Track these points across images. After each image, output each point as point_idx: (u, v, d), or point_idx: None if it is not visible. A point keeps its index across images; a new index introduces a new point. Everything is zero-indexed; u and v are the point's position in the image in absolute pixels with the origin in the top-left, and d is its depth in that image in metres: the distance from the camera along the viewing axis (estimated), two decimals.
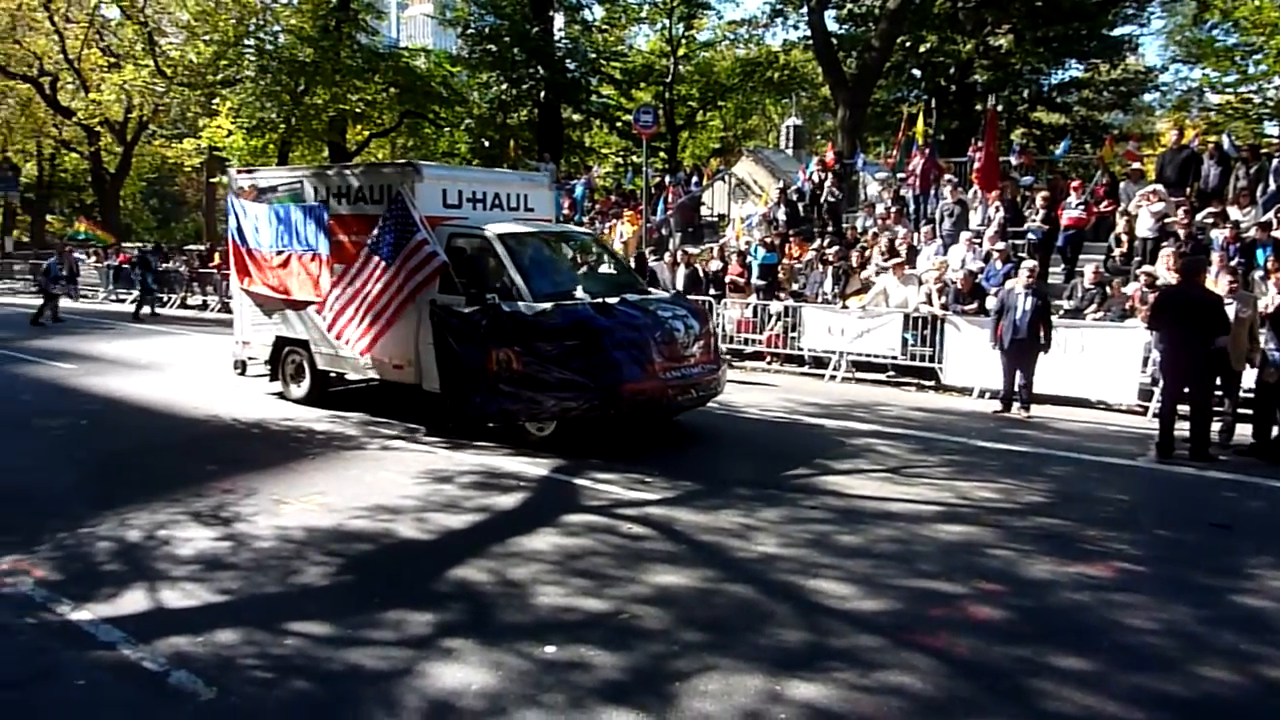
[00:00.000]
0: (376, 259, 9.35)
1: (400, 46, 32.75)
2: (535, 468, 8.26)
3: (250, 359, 11.97)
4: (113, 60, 33.51)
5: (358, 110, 26.63)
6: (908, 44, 26.26)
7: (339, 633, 4.92)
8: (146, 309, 22.48)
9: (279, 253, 10.91)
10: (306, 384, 11.04)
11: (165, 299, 24.45)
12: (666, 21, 32.09)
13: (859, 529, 6.61)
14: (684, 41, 32.69)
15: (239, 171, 11.94)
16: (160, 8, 30.43)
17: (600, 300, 8.79)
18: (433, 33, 65.25)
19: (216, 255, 24.62)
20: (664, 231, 20.76)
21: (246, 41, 26.72)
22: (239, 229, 11.46)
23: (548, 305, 8.61)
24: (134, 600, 5.37)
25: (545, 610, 5.22)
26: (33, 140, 40.28)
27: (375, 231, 9.41)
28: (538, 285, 8.95)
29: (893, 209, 16.45)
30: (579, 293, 9.10)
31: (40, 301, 20.87)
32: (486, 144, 26.80)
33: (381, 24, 32.53)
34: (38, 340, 16.54)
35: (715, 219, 22.73)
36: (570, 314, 8.53)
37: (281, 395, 11.28)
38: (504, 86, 26.50)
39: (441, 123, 29.05)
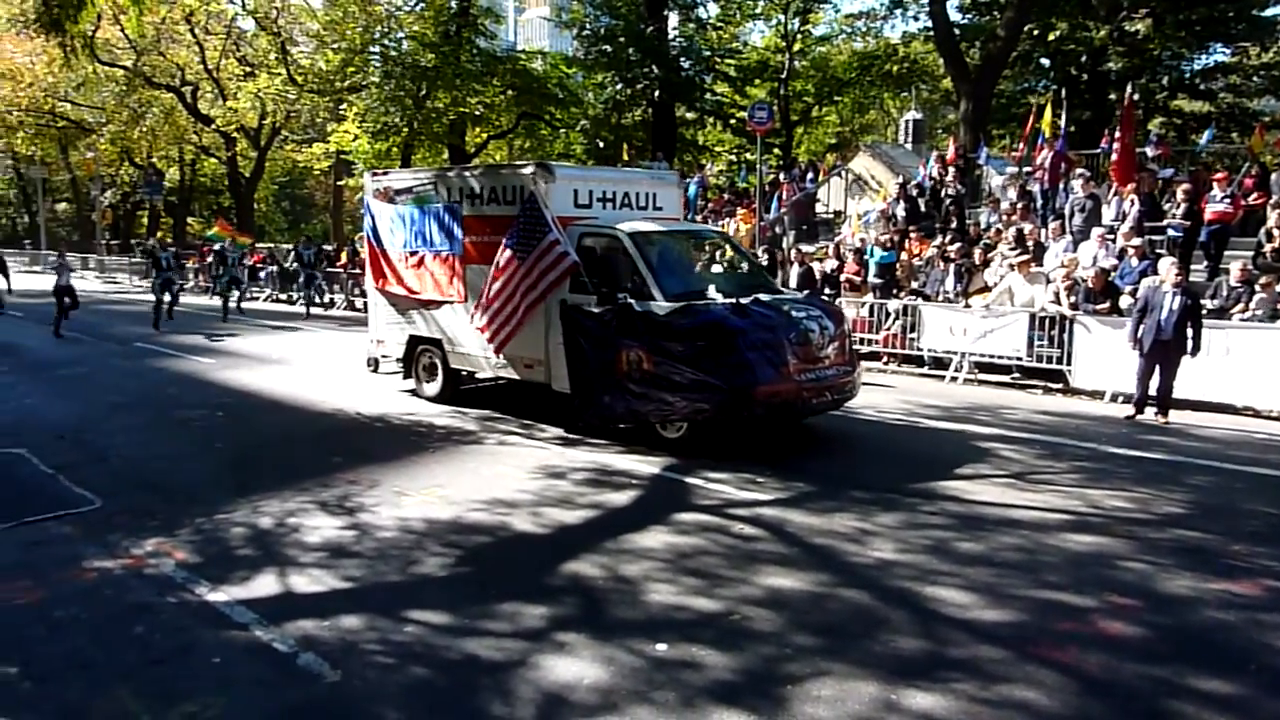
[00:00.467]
0: (510, 259, 9.41)
1: (518, 49, 33.41)
2: (647, 466, 8.29)
3: (384, 357, 12.23)
4: (248, 70, 35.35)
5: (476, 113, 27.29)
6: (1035, 32, 25.21)
7: (456, 622, 5.04)
8: (314, 306, 23.12)
9: (412, 253, 11.10)
10: (439, 382, 11.17)
11: (325, 297, 24.41)
12: (782, 17, 31.73)
13: (980, 536, 6.37)
14: (800, 36, 32.25)
15: (374, 174, 12.25)
16: (292, 18, 31.95)
17: (734, 300, 8.70)
18: (549, 35, 66.41)
19: (343, 254, 25.63)
20: (777, 229, 20.53)
21: (372, 49, 27.78)
22: (374, 230, 11.72)
23: (680, 305, 8.56)
24: (265, 584, 5.64)
25: (657, 608, 5.22)
26: (175, 147, 42.80)
27: (509, 232, 9.49)
28: (669, 284, 8.89)
29: (1019, 204, 15.81)
30: (711, 292, 9.03)
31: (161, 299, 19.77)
32: (601, 144, 27.07)
33: (500, 28, 33.26)
34: (177, 336, 17.55)
35: (830, 216, 22.34)
36: (703, 314, 8.44)
37: (414, 393, 11.47)
38: (619, 86, 26.71)
39: (557, 124, 29.50)
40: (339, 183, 39.77)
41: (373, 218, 11.77)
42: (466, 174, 10.80)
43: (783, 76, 31.71)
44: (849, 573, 5.74)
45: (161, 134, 39.88)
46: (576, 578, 5.69)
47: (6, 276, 19.00)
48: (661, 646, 4.73)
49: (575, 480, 7.84)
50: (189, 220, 49.49)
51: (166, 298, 19.43)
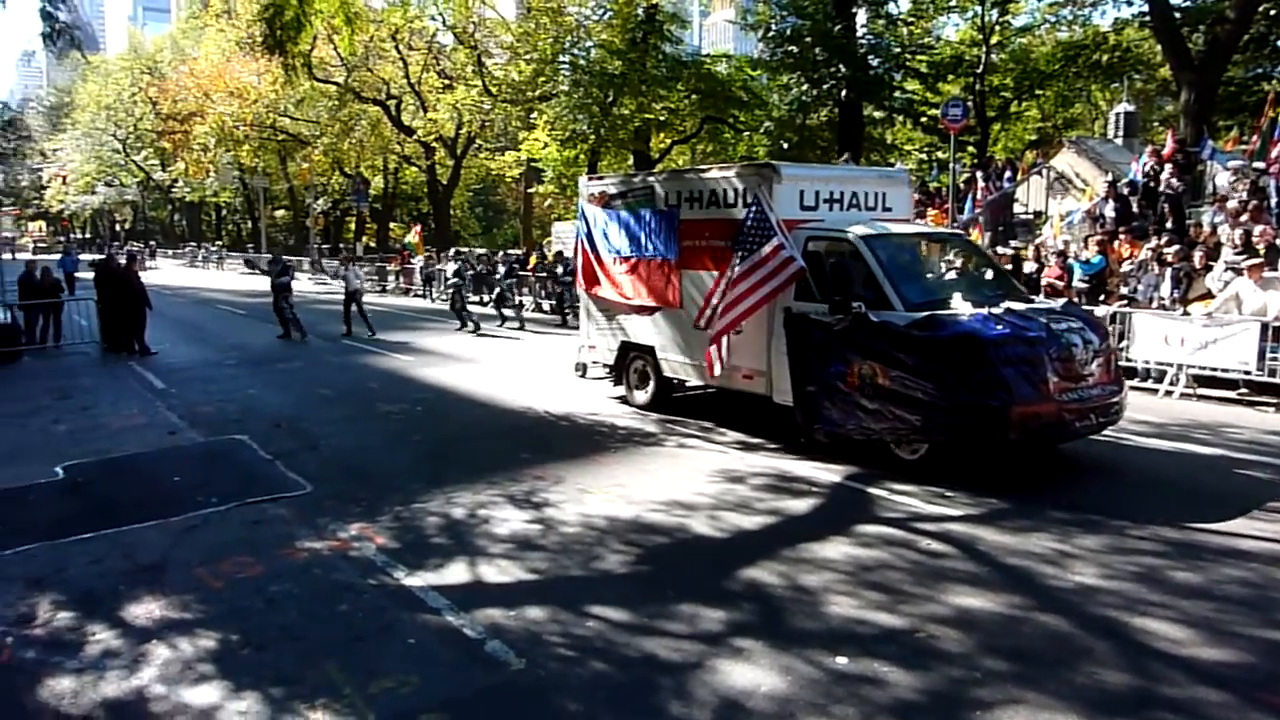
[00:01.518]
0: (733, 264, 8.89)
1: (702, 54, 33.62)
2: (827, 474, 8.10)
3: (593, 363, 12.07)
4: (447, 82, 37.36)
5: (661, 118, 27.68)
6: (1272, 11, 22.85)
7: (636, 620, 5.10)
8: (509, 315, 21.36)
9: (627, 258, 10.81)
10: (651, 390, 10.91)
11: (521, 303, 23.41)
12: (979, 9, 30.29)
13: (1199, 566, 5.82)
14: (998, 28, 30.66)
15: (589, 179, 12.11)
16: (488, 32, 33.51)
17: (985, 309, 7.90)
18: (734, 38, 66.45)
19: (532, 259, 26.58)
20: (972, 231, 19.62)
21: (561, 58, 28.72)
22: (588, 235, 11.47)
23: (922, 315, 7.81)
24: (457, 572, 5.92)
25: (837, 620, 5.09)
26: (380, 157, 45.89)
27: (735, 237, 9.00)
28: (909, 293, 8.18)
29: (1250, 203, 14.37)
30: (957, 301, 8.23)
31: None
32: (785, 146, 26.76)
33: (685, 33, 33.60)
34: (381, 334, 18.73)
35: (1030, 216, 21.11)
36: (950, 325, 7.66)
37: (624, 400, 11.33)
38: (804, 87, 26.28)
39: (741, 127, 29.44)
40: (529, 190, 41.31)
41: (587, 222, 11.56)
42: (687, 176, 10.48)
43: (979, 71, 30.27)
44: (1046, 596, 5.39)
45: (368, 145, 42.84)
46: (755, 584, 5.63)
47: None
48: (842, 660, 4.60)
49: (754, 485, 7.78)
50: (390, 226, 52.79)
51: (354, 309, 19.08)
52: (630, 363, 11.24)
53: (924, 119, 29.66)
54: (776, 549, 6.20)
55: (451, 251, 24.70)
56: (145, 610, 5.36)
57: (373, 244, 49.50)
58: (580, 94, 27.03)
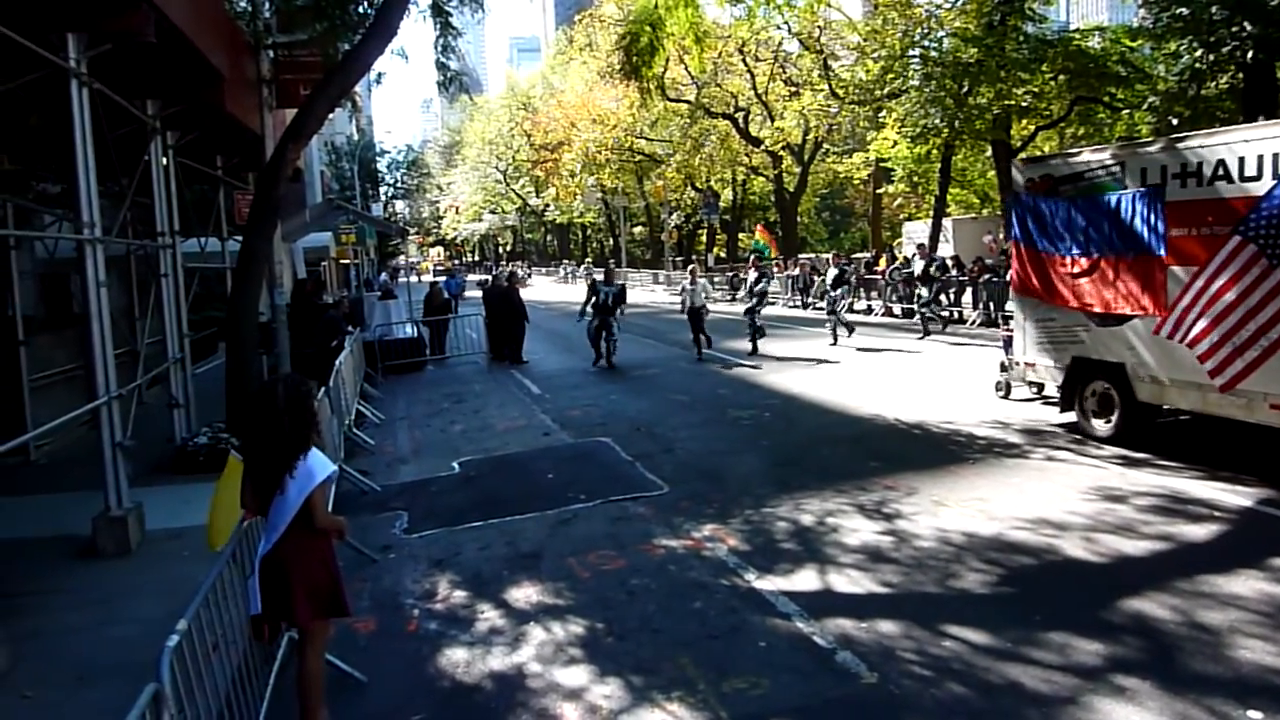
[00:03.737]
0: (1251, 255, 7.13)
1: (1071, 29, 30.76)
2: (1235, 496, 7.01)
3: (1028, 383, 10.59)
4: (792, 89, 37.58)
5: (1023, 104, 25.71)
6: None
7: (998, 644, 4.76)
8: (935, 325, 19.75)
9: (1083, 255, 9.02)
10: (1116, 418, 8.95)
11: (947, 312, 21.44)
12: None
13: None
14: None
15: (1027, 161, 10.44)
16: (834, 34, 33.20)
17: None
18: (1108, 7, 60.14)
19: (882, 261, 25.92)
20: None
21: (911, 52, 27.69)
22: (1024, 229, 9.84)
23: None
24: (806, 578, 5.89)
25: (1248, 666, 4.38)
26: (729, 169, 47.29)
27: (1248, 217, 7.20)
28: None
29: None
30: None
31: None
32: (1175, 122, 23.69)
33: (1050, 9, 30.94)
34: (730, 341, 19.21)
35: None
36: None
37: (1076, 428, 9.43)
38: (1198, 53, 23.09)
39: (1119, 105, 26.52)
40: (878, 190, 40.40)
41: (1022, 213, 9.89)
42: (1180, 146, 8.22)
43: None
44: None
45: (718, 159, 44.36)
46: (1141, 617, 5.00)
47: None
48: (1255, 714, 3.96)
49: (1139, 506, 6.93)
50: (739, 236, 54.24)
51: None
52: (1087, 384, 9.32)
53: None
54: (1168, 579, 5.47)
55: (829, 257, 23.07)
56: (524, 594, 5.93)
57: (723, 254, 51.03)
58: (933, 87, 25.89)
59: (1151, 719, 3.98)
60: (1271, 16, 22.57)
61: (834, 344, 17.59)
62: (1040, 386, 10.60)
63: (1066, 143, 30.42)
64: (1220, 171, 7.68)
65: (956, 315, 21.27)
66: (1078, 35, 27.09)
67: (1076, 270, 9.11)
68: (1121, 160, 8.73)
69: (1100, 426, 9.10)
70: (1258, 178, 7.31)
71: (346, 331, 13.71)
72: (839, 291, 18.22)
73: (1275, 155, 7.19)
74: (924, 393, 11.99)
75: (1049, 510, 6.89)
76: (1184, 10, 23.26)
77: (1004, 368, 11.21)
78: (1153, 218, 8.21)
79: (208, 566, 4.13)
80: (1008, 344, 11.16)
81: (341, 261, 33.88)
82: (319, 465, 4.07)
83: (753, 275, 18.16)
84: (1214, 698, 4.10)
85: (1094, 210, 8.86)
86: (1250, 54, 22.35)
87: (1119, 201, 8.57)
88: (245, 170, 14.96)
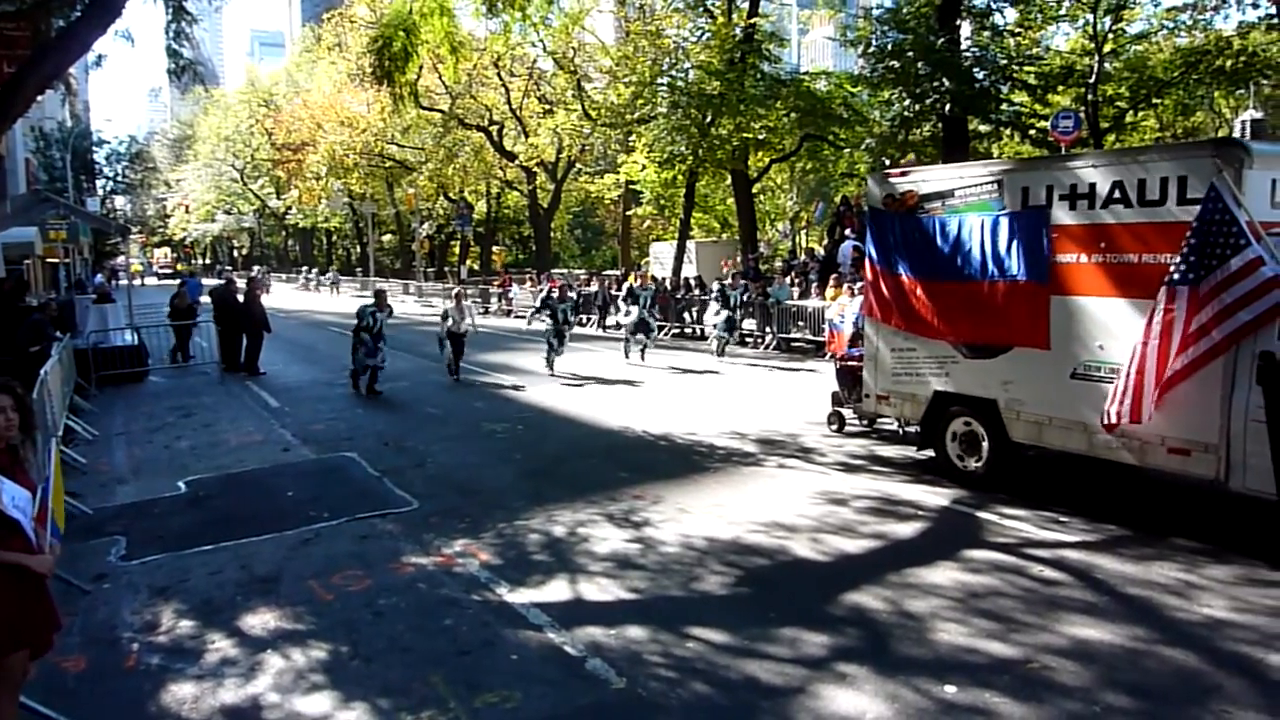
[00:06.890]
0: (1166, 289, 6.49)
1: (801, 72, 33.43)
2: (935, 497, 7.88)
3: (879, 417, 9.90)
4: (547, 107, 38.15)
5: (760, 137, 27.59)
6: None
7: (737, 642, 5.05)
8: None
9: (954, 281, 8.27)
10: (984, 455, 8.19)
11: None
12: (1090, 17, 29.27)
13: None
14: (1111, 36, 29.56)
15: (891, 175, 9.26)
16: (587, 56, 34.06)
17: None
18: (833, 54, 65.91)
19: (631, 277, 26.78)
20: None
21: (660, 80, 28.96)
22: (880, 250, 9.05)
23: None
24: (558, 589, 5.97)
25: (946, 648, 4.93)
26: (483, 182, 47.16)
27: (1182, 249, 6.44)
28: None
29: None
30: None
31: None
32: (887, 162, 26.33)
33: (784, 51, 33.45)
34: (483, 355, 19.09)
35: None
36: None
37: (939, 467, 8.59)
38: (906, 102, 25.85)
39: (841, 144, 29.13)
40: (627, 211, 41.73)
41: (877, 232, 9.10)
42: (1073, 165, 7.52)
43: (1091, 81, 29.21)
44: (1171, 629, 5.11)
45: (471, 170, 44.07)
46: (859, 609, 5.50)
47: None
48: (951, 689, 4.46)
49: (857, 508, 7.62)
50: (493, 249, 54.05)
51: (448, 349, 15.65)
52: (948, 421, 8.56)
53: (1033, 131, 28.72)
54: (882, 573, 6.06)
55: (627, 286, 21.92)
56: (261, 620, 5.57)
57: (476, 267, 50.63)
58: (678, 115, 27.19)
59: (868, 701, 4.37)
60: (965, 75, 25.68)
61: (634, 361, 17.52)
62: (872, 420, 10.07)
63: (797, 176, 32.92)
64: (1117, 195, 7.04)
65: (699, 331, 22.40)
66: (807, 78, 29.46)
67: (945, 297, 8.41)
68: (1001, 177, 8.02)
69: (969, 465, 8.35)
70: (1160, 202, 6.78)
71: (54, 337, 12.31)
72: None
73: (1167, 180, 6.72)
74: (667, 405, 12.48)
75: (781, 514, 7.40)
76: (896, 64, 25.98)
77: (837, 400, 10.53)
78: (1035, 240, 7.57)
79: None
80: (841, 375, 10.44)
81: (49, 260, 30.38)
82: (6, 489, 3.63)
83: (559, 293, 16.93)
84: (919, 678, 4.58)
85: (967, 231, 8.14)
86: (949, 107, 25.30)
87: (996, 223, 7.89)
88: None
